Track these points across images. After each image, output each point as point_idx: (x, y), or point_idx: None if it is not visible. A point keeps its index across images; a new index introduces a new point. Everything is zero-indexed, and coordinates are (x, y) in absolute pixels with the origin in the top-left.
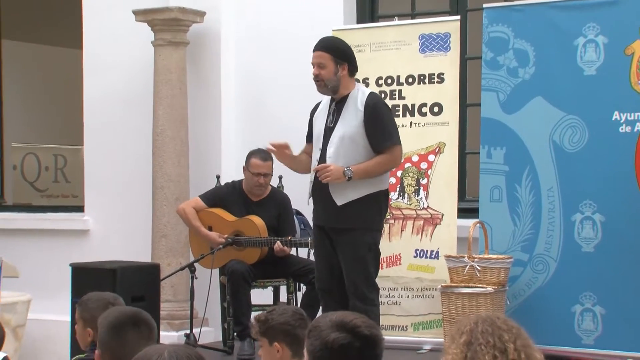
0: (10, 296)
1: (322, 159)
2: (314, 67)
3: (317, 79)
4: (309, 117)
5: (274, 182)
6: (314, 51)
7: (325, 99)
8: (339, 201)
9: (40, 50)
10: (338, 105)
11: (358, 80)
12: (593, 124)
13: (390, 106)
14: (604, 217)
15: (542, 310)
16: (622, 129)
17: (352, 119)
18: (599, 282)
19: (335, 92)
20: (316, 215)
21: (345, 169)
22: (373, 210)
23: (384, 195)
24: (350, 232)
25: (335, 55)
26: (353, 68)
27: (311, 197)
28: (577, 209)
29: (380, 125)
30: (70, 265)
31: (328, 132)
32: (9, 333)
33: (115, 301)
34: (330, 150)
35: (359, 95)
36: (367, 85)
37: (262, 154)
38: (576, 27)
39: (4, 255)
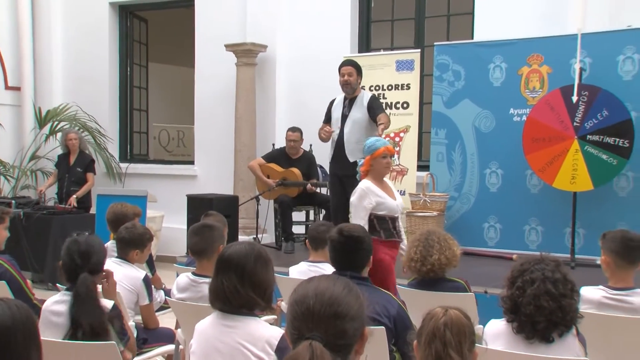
0: (152, 213)
1: (342, 133)
2: (344, 76)
3: (347, 82)
4: (327, 107)
5: (307, 147)
6: (345, 66)
7: (339, 97)
8: (351, 158)
9: (170, 68)
10: (351, 102)
11: (363, 87)
12: (498, 116)
13: None
14: (503, 171)
15: (465, 226)
16: (515, 119)
17: (360, 111)
18: (499, 209)
19: (353, 93)
20: (335, 168)
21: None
22: None
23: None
24: (356, 177)
25: (357, 70)
26: (361, 79)
27: (333, 157)
28: (487, 166)
29: (375, 108)
30: (186, 195)
31: (344, 117)
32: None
33: (213, 213)
34: (346, 129)
35: (364, 97)
36: (364, 89)
37: (292, 129)
38: (489, 57)
39: (148, 189)
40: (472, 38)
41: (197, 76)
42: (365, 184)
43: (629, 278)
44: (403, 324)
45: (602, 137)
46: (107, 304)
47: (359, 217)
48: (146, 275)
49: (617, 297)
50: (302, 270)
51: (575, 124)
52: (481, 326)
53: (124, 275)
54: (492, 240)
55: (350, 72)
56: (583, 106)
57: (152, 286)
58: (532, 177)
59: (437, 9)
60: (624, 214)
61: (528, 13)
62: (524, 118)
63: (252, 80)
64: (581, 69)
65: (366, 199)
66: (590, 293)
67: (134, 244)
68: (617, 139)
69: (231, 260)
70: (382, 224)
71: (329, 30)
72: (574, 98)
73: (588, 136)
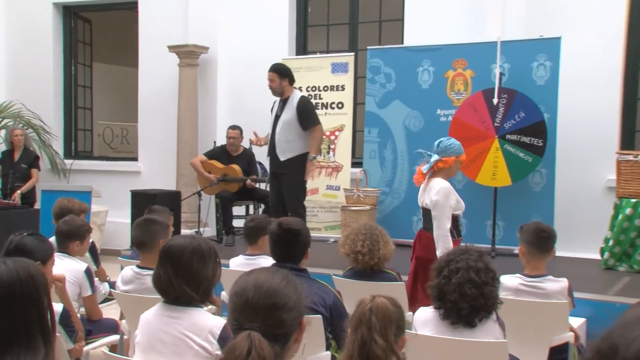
0: (97, 208)
1: (274, 133)
2: (268, 81)
3: (269, 87)
4: (271, 108)
5: (247, 145)
6: (268, 72)
7: (277, 98)
8: (282, 158)
9: (115, 68)
10: (283, 102)
11: (296, 88)
12: (426, 116)
13: (314, 104)
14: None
15: (396, 219)
16: (441, 119)
17: (290, 111)
18: None
19: (281, 95)
20: (270, 165)
21: (311, 158)
22: (301, 163)
23: (306, 155)
24: (288, 175)
25: (279, 74)
26: (291, 81)
27: (268, 156)
28: (417, 163)
29: (306, 115)
30: (130, 191)
31: (277, 118)
32: (96, 229)
33: (157, 208)
34: (278, 130)
35: (294, 98)
36: (301, 90)
37: (232, 127)
38: (418, 61)
39: (92, 185)
40: (402, 43)
41: (140, 76)
42: (446, 183)
43: (541, 266)
44: (338, 312)
45: (519, 136)
46: (57, 307)
47: (446, 217)
48: (88, 267)
49: (532, 284)
50: (240, 263)
51: (495, 124)
52: (410, 313)
53: (66, 268)
54: None
55: (272, 77)
56: (503, 108)
57: (96, 278)
58: (457, 173)
59: (370, 15)
60: (538, 207)
61: (453, 21)
62: (450, 118)
63: (194, 80)
64: (501, 74)
65: (453, 198)
66: (509, 281)
67: (74, 235)
68: (532, 139)
69: (169, 253)
70: (454, 223)
71: (268, 34)
72: (495, 100)
73: (507, 136)
